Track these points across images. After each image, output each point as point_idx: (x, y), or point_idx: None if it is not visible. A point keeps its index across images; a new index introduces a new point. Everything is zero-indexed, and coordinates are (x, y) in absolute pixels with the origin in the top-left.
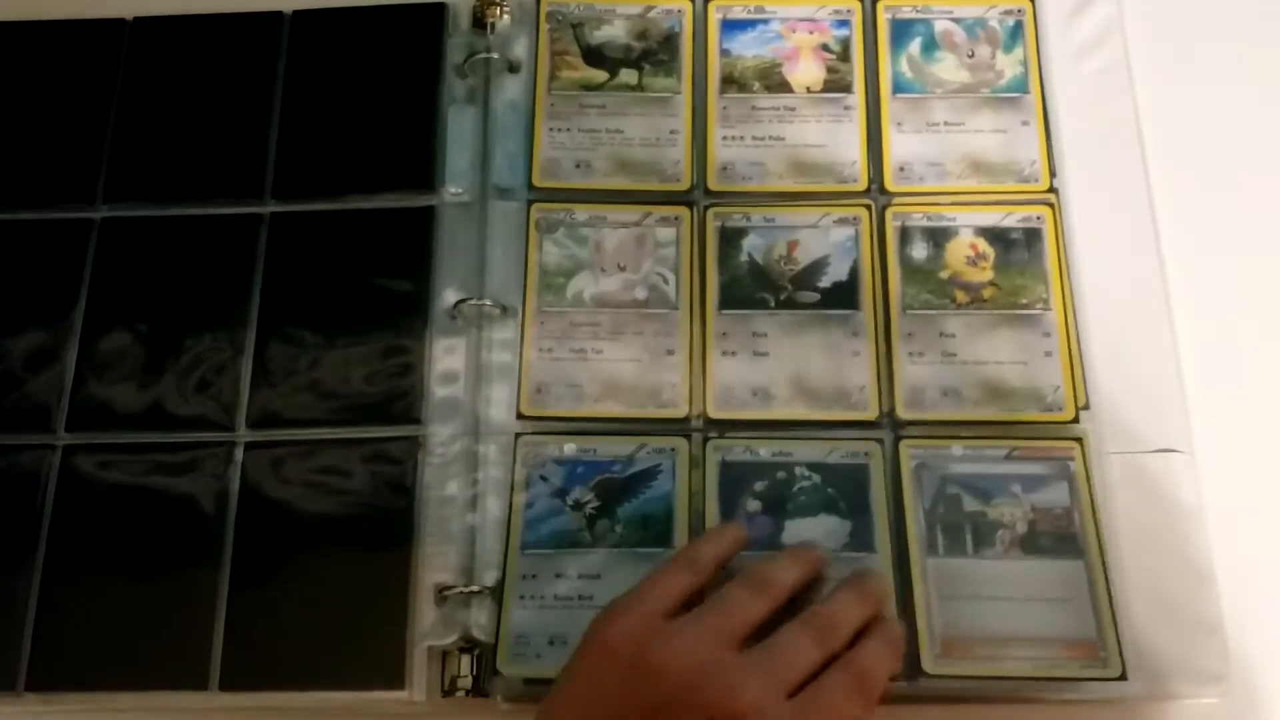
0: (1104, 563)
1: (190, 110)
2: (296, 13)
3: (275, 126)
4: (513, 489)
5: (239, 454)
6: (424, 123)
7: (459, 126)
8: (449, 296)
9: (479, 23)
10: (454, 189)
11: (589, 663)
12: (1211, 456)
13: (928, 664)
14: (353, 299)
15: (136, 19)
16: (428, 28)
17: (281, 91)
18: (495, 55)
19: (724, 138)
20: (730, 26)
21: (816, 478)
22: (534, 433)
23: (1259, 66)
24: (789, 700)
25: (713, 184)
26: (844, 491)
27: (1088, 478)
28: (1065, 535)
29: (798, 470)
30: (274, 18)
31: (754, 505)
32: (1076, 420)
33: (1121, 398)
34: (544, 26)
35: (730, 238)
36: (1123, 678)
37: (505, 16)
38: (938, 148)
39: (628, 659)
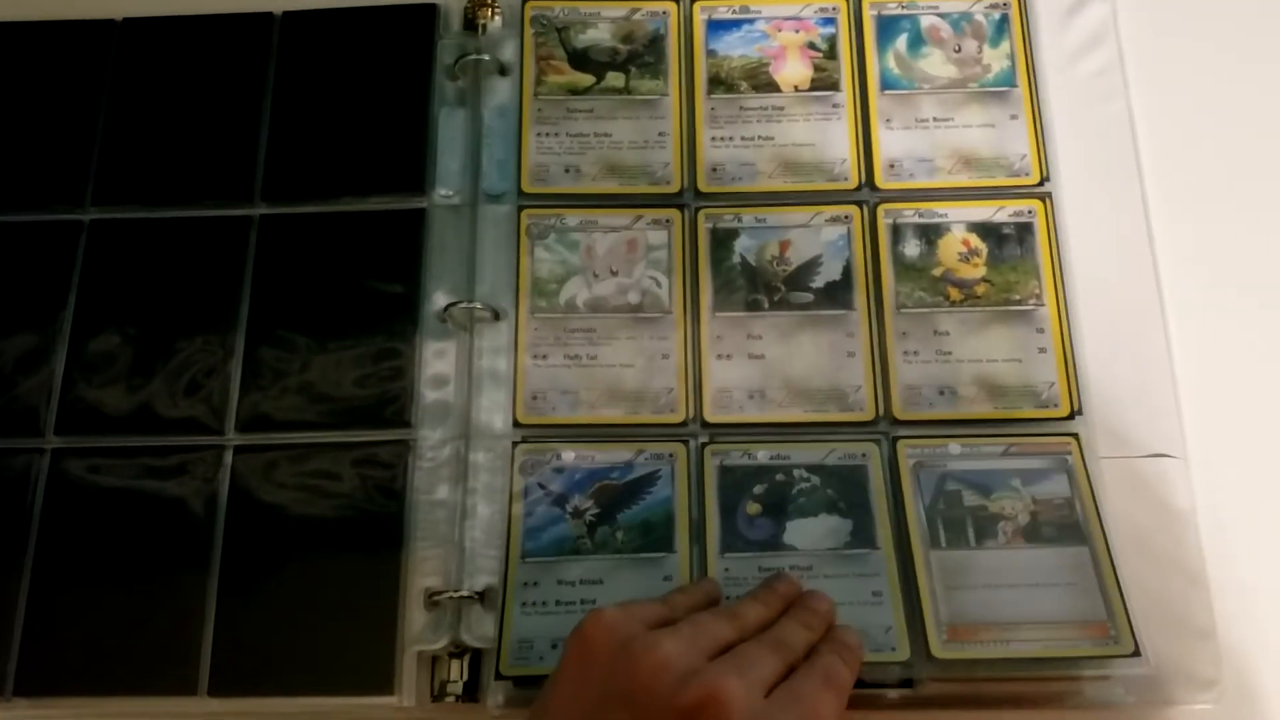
0: (1108, 549)
1: (180, 112)
2: (287, 14)
3: (265, 128)
4: (511, 498)
5: (228, 457)
6: (415, 125)
7: (450, 129)
8: (439, 300)
9: (470, 24)
10: (444, 192)
11: (572, 657)
12: (1204, 461)
13: (936, 649)
14: (343, 302)
15: (126, 20)
16: (419, 29)
17: (272, 93)
18: (485, 57)
19: (713, 139)
20: (716, 27)
21: (816, 479)
22: (531, 440)
23: (1252, 67)
24: (766, 699)
25: (703, 185)
26: (843, 492)
27: (1086, 471)
28: (1068, 523)
29: (796, 473)
30: (264, 19)
31: (754, 508)
32: (1071, 416)
33: (1115, 402)
34: (528, 31)
35: (722, 239)
36: (1136, 654)
37: (496, 18)
38: (927, 143)
39: (609, 649)
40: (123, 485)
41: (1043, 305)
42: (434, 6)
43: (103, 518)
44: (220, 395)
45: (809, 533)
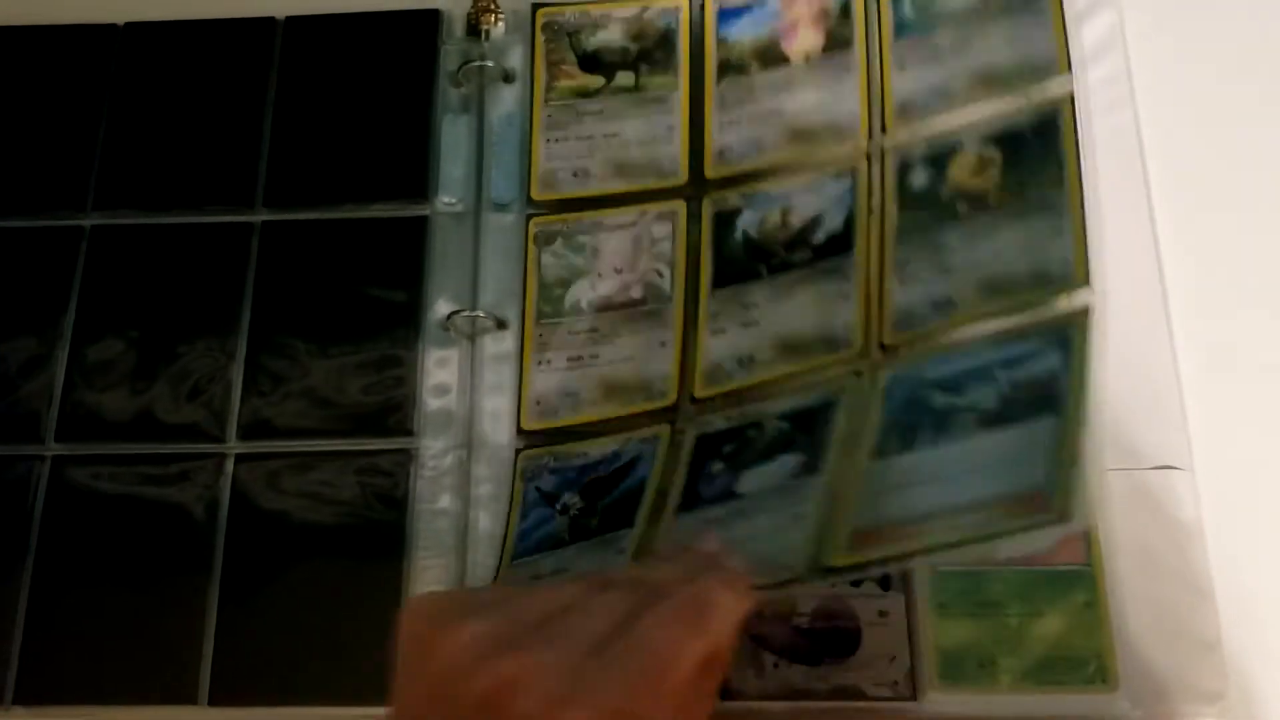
0: (1083, 416)
1: (182, 117)
2: (289, 19)
3: (267, 134)
4: (511, 506)
5: (229, 465)
6: (418, 131)
7: (453, 136)
8: (442, 308)
9: (473, 30)
10: (447, 199)
11: (398, 656)
12: (1212, 473)
13: (831, 557)
14: (344, 309)
15: (128, 24)
16: (422, 35)
17: (274, 98)
18: (490, 63)
19: (721, 123)
20: (727, 15)
21: (786, 425)
22: (534, 447)
23: (1259, 74)
24: (598, 657)
25: (710, 171)
26: (808, 429)
27: (1085, 347)
28: (1042, 396)
29: (768, 425)
30: (267, 24)
31: (718, 467)
32: (1088, 283)
33: (1121, 413)
34: (539, 38)
35: (724, 219)
36: (1065, 520)
37: (500, 24)
38: (942, 75)
39: (411, 639)
40: (124, 492)
41: (1063, 195)
42: (437, 12)
43: (103, 525)
44: (221, 401)
45: (761, 476)
